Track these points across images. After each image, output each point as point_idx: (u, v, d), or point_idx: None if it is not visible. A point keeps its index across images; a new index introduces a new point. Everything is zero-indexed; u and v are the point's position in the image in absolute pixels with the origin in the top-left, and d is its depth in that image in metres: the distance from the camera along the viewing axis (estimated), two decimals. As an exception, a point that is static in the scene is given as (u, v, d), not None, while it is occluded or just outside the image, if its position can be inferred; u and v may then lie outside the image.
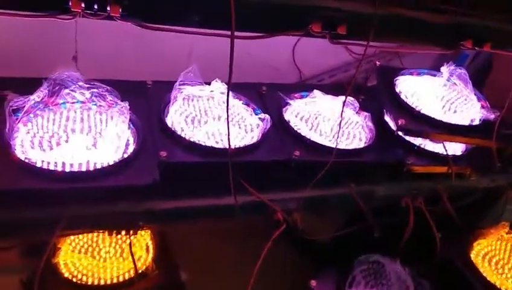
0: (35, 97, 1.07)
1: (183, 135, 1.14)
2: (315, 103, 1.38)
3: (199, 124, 1.19)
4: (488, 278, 1.40)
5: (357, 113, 1.40)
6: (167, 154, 1.06)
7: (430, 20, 1.15)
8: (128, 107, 1.10)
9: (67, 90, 1.11)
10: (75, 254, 1.22)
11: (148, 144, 1.08)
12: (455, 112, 1.42)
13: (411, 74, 1.52)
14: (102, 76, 1.17)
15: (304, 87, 1.46)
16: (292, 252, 1.60)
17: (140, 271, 1.21)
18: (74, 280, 1.18)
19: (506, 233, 1.56)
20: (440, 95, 1.46)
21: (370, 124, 1.37)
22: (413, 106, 1.37)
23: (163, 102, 1.20)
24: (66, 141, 1.04)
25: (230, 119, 1.21)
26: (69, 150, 1.02)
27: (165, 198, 1.07)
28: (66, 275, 1.19)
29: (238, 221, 1.25)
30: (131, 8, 0.89)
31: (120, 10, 0.88)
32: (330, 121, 1.34)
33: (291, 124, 1.29)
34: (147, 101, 1.20)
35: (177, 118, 1.19)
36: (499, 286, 1.38)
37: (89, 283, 1.19)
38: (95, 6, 0.86)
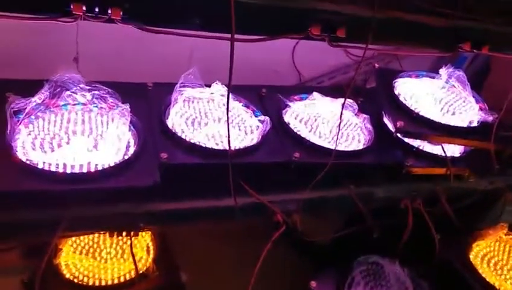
0: (37, 99, 1.08)
1: (183, 137, 1.15)
2: (314, 105, 1.38)
3: (199, 126, 1.20)
4: (486, 279, 1.40)
5: (356, 115, 1.41)
6: (168, 156, 1.07)
7: (428, 23, 1.16)
8: (129, 109, 1.11)
9: (68, 92, 1.11)
10: (76, 255, 1.23)
11: (148, 145, 1.08)
12: (453, 114, 1.42)
13: (410, 76, 1.52)
14: (103, 78, 1.17)
15: (303, 89, 1.47)
16: (292, 253, 1.61)
17: (140, 272, 1.22)
18: (75, 280, 1.19)
19: (505, 234, 1.57)
20: (439, 97, 1.46)
21: (369, 126, 1.38)
22: (412, 108, 1.38)
23: (164, 104, 1.21)
24: (67, 143, 1.04)
25: (230, 121, 1.22)
26: (70, 152, 1.02)
27: (165, 199, 1.07)
28: (67, 275, 1.19)
29: (238, 222, 1.25)
30: (132, 11, 0.89)
31: (121, 13, 0.88)
32: (329, 123, 1.34)
33: (291, 126, 1.29)
34: (147, 103, 1.20)
35: (177, 119, 1.20)
36: (497, 287, 1.39)
37: (90, 284, 1.19)
38: (96, 9, 0.87)
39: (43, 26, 0.89)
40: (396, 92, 1.42)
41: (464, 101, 1.47)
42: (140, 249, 1.27)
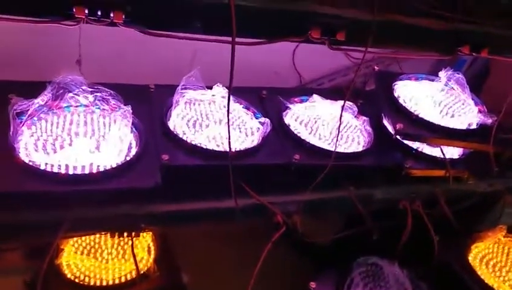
0: (39, 100, 1.08)
1: (184, 139, 1.16)
2: (314, 107, 1.39)
3: (200, 128, 1.21)
4: (485, 281, 1.40)
5: (355, 117, 1.41)
6: (169, 157, 1.07)
7: (427, 26, 1.16)
8: (131, 110, 1.11)
9: (71, 94, 1.12)
10: (77, 255, 1.23)
11: (150, 147, 1.09)
12: (453, 116, 1.43)
13: (409, 78, 1.52)
14: (106, 80, 1.18)
15: (303, 91, 1.47)
16: (292, 254, 1.61)
17: (141, 272, 1.22)
18: (77, 280, 1.20)
19: (504, 236, 1.57)
20: (438, 99, 1.47)
21: (368, 128, 1.38)
22: (411, 110, 1.38)
23: (166, 106, 1.21)
24: (70, 144, 1.05)
25: (231, 123, 1.24)
26: (73, 153, 1.03)
27: (166, 201, 1.08)
28: (69, 276, 1.20)
29: (239, 223, 1.26)
30: (134, 15, 0.89)
31: (123, 16, 0.88)
32: (329, 125, 1.35)
33: (291, 127, 1.30)
34: (149, 105, 1.21)
35: (179, 121, 1.20)
36: (496, 289, 1.39)
37: (91, 284, 1.20)
38: (99, 13, 0.87)
39: (45, 27, 0.88)
40: (396, 95, 1.43)
41: (463, 104, 1.48)
42: (141, 250, 1.27)
